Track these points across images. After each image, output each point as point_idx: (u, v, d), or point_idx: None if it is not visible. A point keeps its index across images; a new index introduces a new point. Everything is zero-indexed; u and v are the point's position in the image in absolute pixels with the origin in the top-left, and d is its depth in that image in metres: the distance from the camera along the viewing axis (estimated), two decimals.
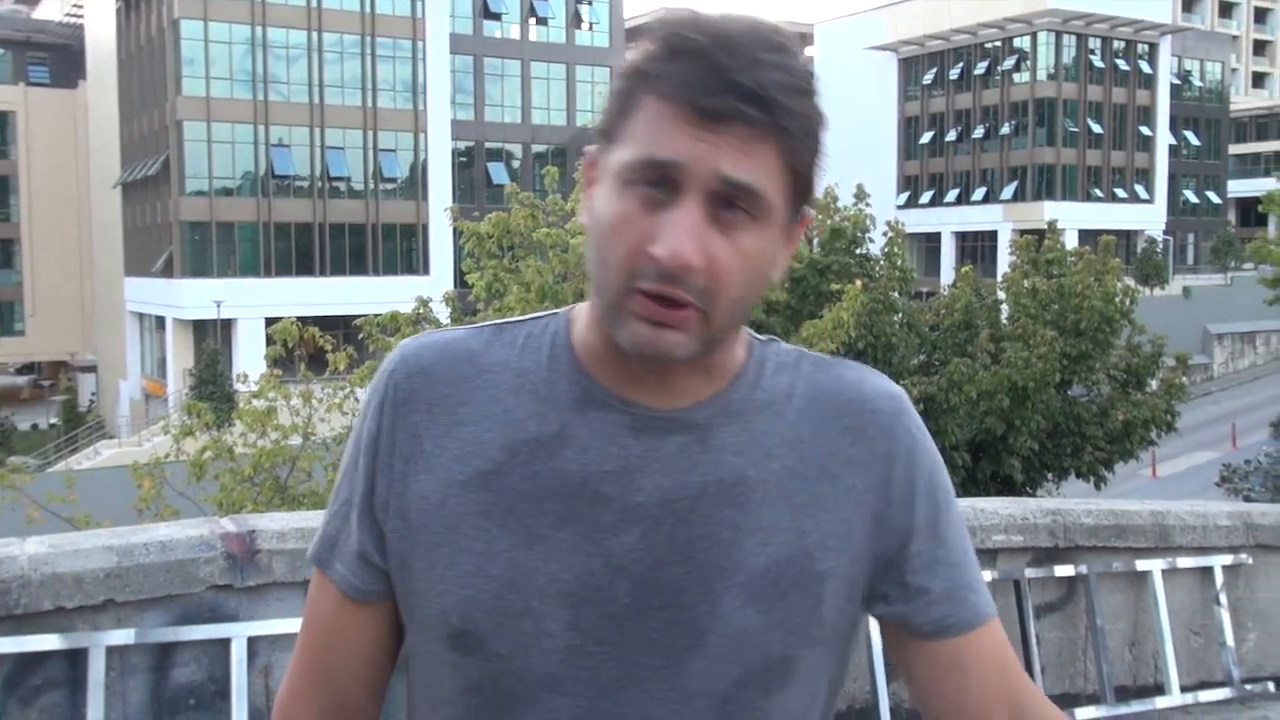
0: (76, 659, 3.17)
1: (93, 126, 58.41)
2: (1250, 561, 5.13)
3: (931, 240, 64.46)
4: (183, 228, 44.12)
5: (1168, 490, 24.53)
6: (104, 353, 57.43)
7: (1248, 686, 4.97)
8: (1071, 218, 56.84)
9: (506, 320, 1.15)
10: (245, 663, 3.33)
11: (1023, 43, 63.00)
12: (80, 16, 59.38)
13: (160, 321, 46.95)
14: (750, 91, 0.95)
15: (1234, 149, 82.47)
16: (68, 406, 51.38)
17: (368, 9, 46.47)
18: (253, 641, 3.37)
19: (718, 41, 0.97)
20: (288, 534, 3.44)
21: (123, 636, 3.21)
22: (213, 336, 42.05)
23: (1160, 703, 4.79)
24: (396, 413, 1.10)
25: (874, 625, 4.25)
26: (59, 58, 62.22)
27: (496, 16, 53.38)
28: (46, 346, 62.51)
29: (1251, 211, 71.03)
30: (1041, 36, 62.21)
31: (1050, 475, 16.54)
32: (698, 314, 0.98)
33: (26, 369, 64.58)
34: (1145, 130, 65.56)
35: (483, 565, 1.04)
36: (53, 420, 51.36)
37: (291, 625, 3.39)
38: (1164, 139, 66.71)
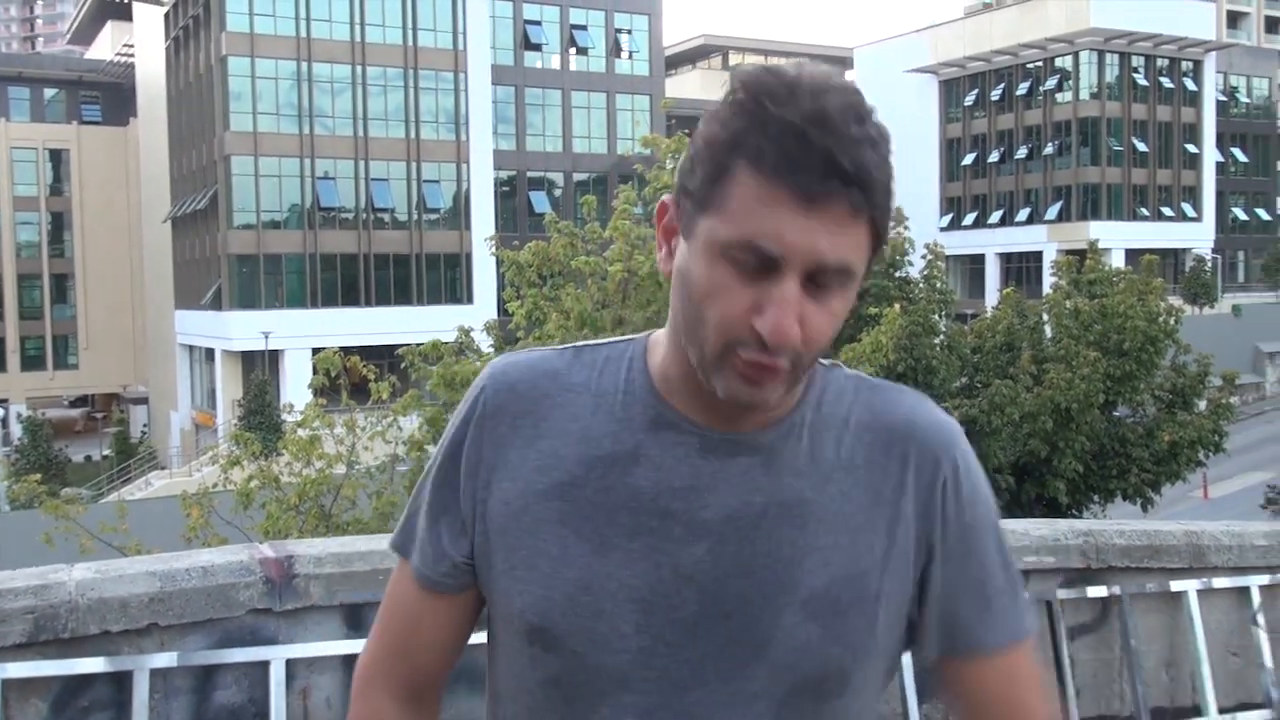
0: (122, 681, 3.25)
1: (143, 162, 59.49)
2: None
3: (976, 262, 64.05)
4: (231, 261, 44.74)
5: (1219, 512, 24.15)
6: (155, 385, 58.27)
7: None
8: (1118, 237, 56.36)
9: (587, 343, 1.25)
10: (284, 684, 3.39)
11: (1065, 62, 62.60)
12: (131, 55, 60.60)
13: (210, 353, 47.56)
14: (851, 175, 1.01)
15: None
16: (120, 438, 52.10)
17: (410, 42, 47.07)
18: (291, 664, 3.43)
19: (815, 116, 1.01)
20: (324, 559, 3.53)
21: (166, 659, 3.29)
22: (261, 367, 42.51)
23: None
24: (484, 425, 1.20)
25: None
26: (110, 96, 63.53)
27: (537, 47, 53.90)
28: (99, 379, 63.55)
29: None
30: (1084, 56, 61.80)
31: (1096, 497, 16.41)
32: (790, 369, 1.07)
33: (80, 401, 65.68)
34: (1191, 148, 64.85)
35: (558, 568, 1.14)
36: (105, 452, 52.08)
37: (328, 648, 3.48)
38: (1210, 156, 65.94)
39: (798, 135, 1.01)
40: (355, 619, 3.54)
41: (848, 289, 1.07)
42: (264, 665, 3.40)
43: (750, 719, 1.13)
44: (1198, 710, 4.79)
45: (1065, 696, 4.56)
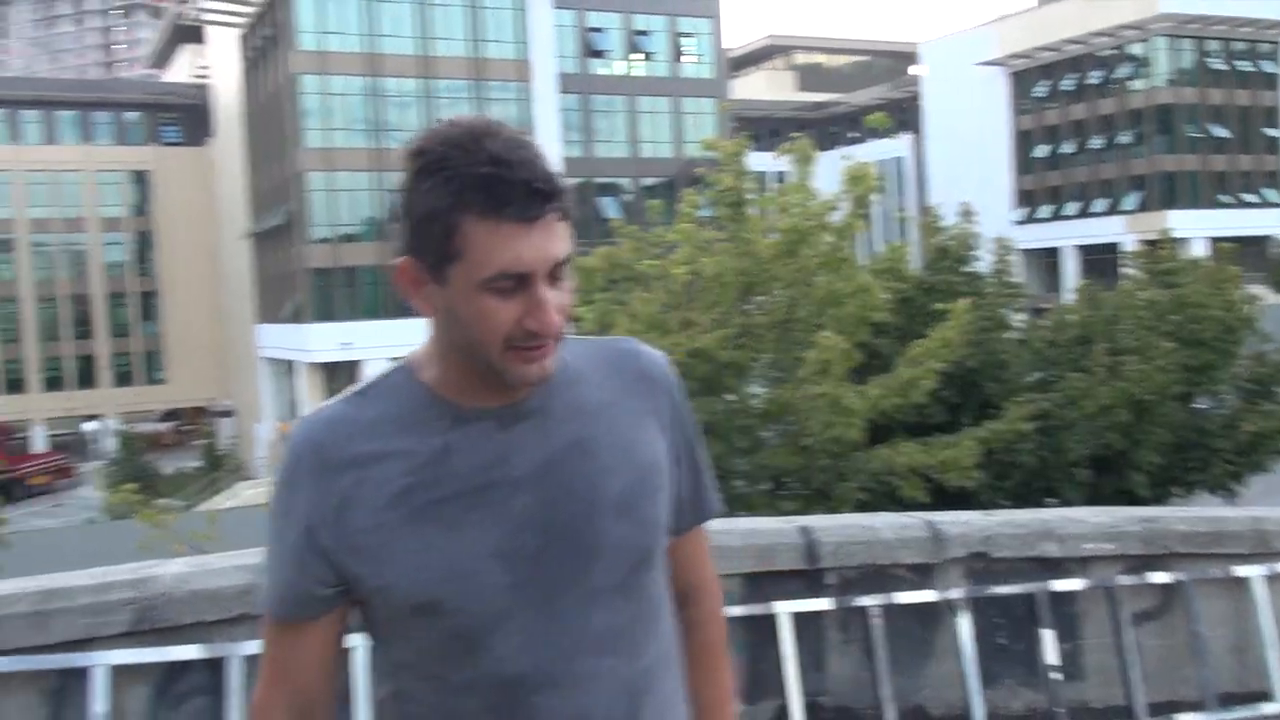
0: (216, 667, 3.46)
1: (222, 181, 60.81)
2: None
3: (1052, 255, 63.01)
4: (309, 274, 45.58)
5: None
6: (239, 397, 59.50)
7: None
8: (1198, 225, 55.08)
9: (359, 386, 1.49)
10: (365, 671, 3.54)
11: (1138, 49, 61.37)
12: (207, 77, 62.02)
13: (290, 365, 48.47)
14: (548, 192, 1.33)
15: None
16: (208, 450, 53.32)
17: (476, 54, 47.60)
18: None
19: (496, 159, 1.30)
20: None
21: (257, 647, 3.44)
22: (341, 378, 43.16)
23: (1267, 709, 4.69)
24: (314, 479, 1.41)
25: (966, 636, 4.35)
26: (188, 117, 65.00)
27: (601, 54, 54.15)
28: (186, 393, 65.05)
29: None
30: (1157, 42, 60.55)
31: (1177, 490, 16.10)
32: (555, 341, 1.38)
33: (169, 415, 67.25)
34: (1271, 132, 63.17)
35: (424, 555, 1.39)
36: (194, 464, 53.31)
37: None
38: None
39: (496, 180, 1.30)
40: None
41: (569, 269, 1.37)
42: (345, 653, 3.55)
43: (602, 606, 1.43)
44: (1266, 695, 4.76)
45: (1130, 683, 4.58)
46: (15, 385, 62.22)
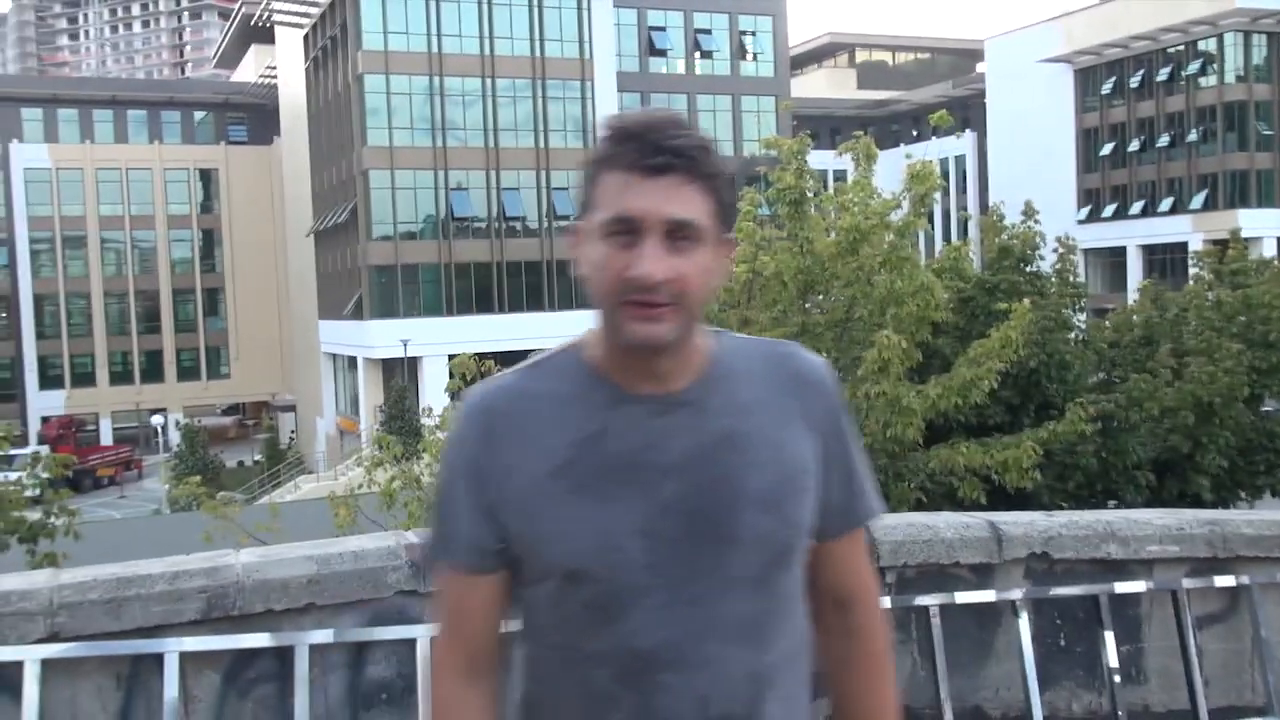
0: (284, 656, 3.53)
1: (286, 179, 61.63)
2: None
3: (1116, 255, 62.04)
4: (370, 271, 46.04)
5: None
6: (301, 392, 60.29)
7: None
8: (1268, 225, 53.96)
9: (534, 359, 1.58)
10: (429, 660, 3.52)
11: (1208, 45, 60.17)
12: (274, 77, 62.87)
13: (352, 361, 49.01)
14: (676, 151, 1.39)
15: None
16: (270, 444, 54.07)
17: (537, 54, 47.78)
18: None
19: (644, 124, 1.41)
20: None
21: (323, 636, 3.55)
22: (400, 374, 43.61)
23: None
24: (483, 443, 1.51)
25: (1026, 637, 4.32)
26: (255, 116, 66.06)
27: (662, 53, 54.20)
28: (249, 388, 66.14)
29: None
30: (1229, 38, 59.32)
31: (1243, 494, 15.82)
32: (673, 305, 1.40)
33: (232, 410, 68.36)
34: None
35: (578, 525, 1.47)
36: (257, 457, 54.10)
37: None
38: None
39: (634, 136, 1.40)
40: None
41: (702, 242, 1.42)
42: (411, 643, 3.63)
43: (736, 595, 1.48)
44: None
45: (1193, 686, 4.53)
46: (84, 379, 63.62)
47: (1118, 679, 4.41)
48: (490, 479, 1.50)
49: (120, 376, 64.45)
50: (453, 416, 1.57)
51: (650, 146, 1.39)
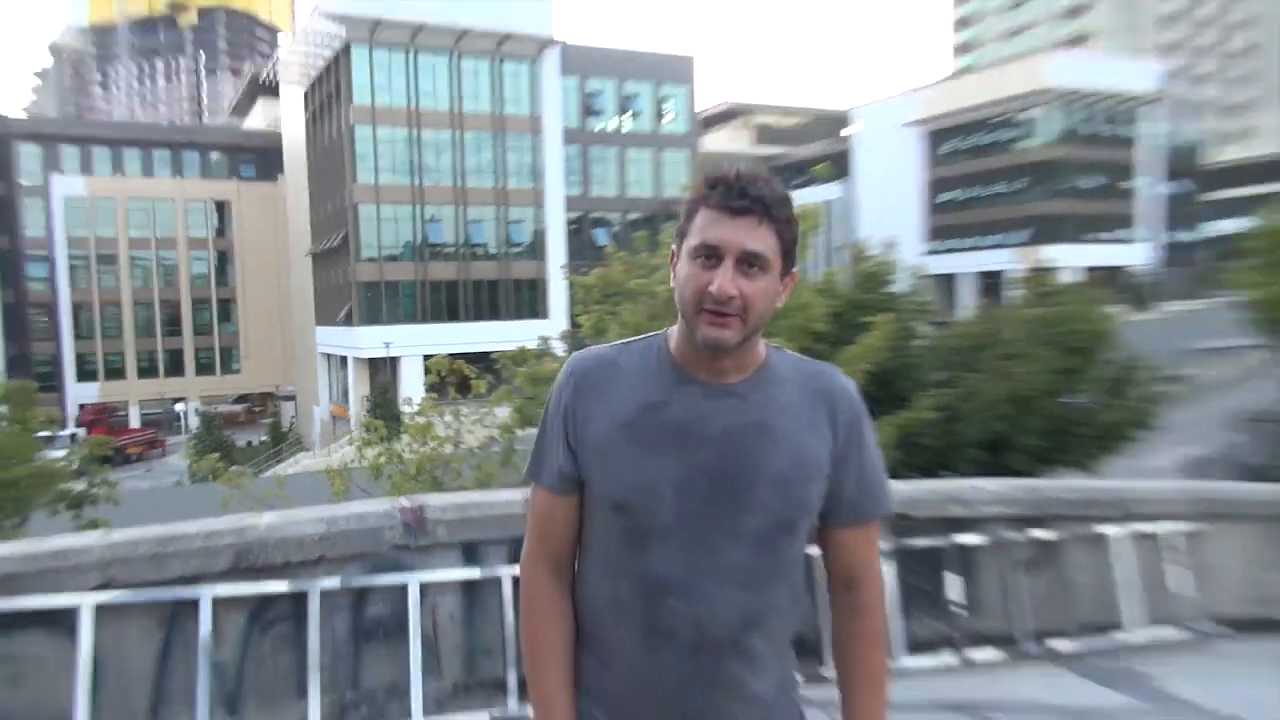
0: (299, 600, 3.49)
1: (289, 210, 60.37)
2: (1199, 527, 5.08)
3: (953, 280, 63.29)
4: (359, 287, 45.28)
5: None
6: (300, 385, 59.16)
7: (1197, 627, 4.92)
8: (1071, 257, 55.39)
9: (631, 340, 1.63)
10: (418, 603, 3.60)
11: (1027, 115, 61.69)
12: (279, 125, 61.57)
13: (343, 360, 48.18)
14: (755, 198, 1.45)
15: (1210, 195, 79.54)
16: (273, 427, 52.93)
17: (498, 111, 47.44)
18: (423, 587, 3.63)
19: (735, 177, 1.47)
20: (448, 508, 3.75)
21: (331, 583, 3.53)
22: (383, 371, 43.06)
23: (1121, 638, 4.77)
24: (575, 394, 1.57)
25: (890, 579, 4.39)
26: (262, 158, 64.55)
27: (598, 113, 54.05)
28: (256, 381, 64.66)
29: (1227, 247, 68.23)
30: (1043, 110, 60.90)
31: (1049, 468, 16.23)
32: (739, 317, 1.46)
33: (242, 399, 66.77)
34: (1132, 183, 63.64)
35: (630, 468, 1.52)
36: (262, 438, 52.88)
37: (451, 575, 3.67)
38: (1148, 189, 64.67)
39: (726, 184, 1.46)
40: (471, 553, 3.73)
41: (769, 272, 1.47)
42: (403, 588, 3.62)
43: (741, 548, 1.51)
44: (1122, 628, 4.83)
45: (1014, 616, 4.63)
46: (116, 373, 61.67)
47: (959, 611, 4.52)
48: (574, 424, 1.55)
49: (146, 371, 62.54)
50: (558, 373, 1.63)
51: (736, 192, 1.45)
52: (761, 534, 1.50)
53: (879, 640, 1.65)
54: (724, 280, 1.43)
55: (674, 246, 1.55)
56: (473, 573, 3.69)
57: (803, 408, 1.55)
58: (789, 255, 1.50)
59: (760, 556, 1.51)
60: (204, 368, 64.08)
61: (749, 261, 1.44)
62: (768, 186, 1.46)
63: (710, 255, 1.45)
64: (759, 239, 1.45)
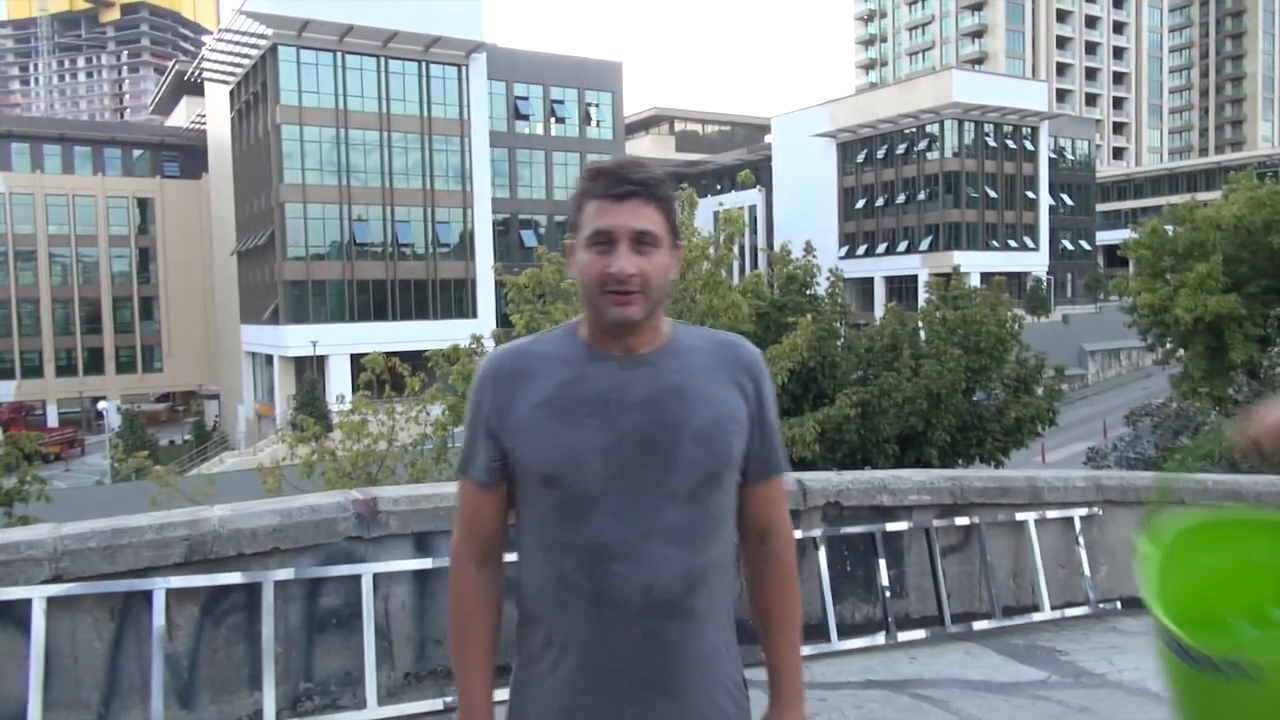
0: (253, 590, 3.43)
1: (214, 208, 58.68)
2: (1101, 513, 5.33)
3: (866, 283, 64.55)
4: (285, 285, 44.27)
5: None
6: (225, 383, 57.49)
7: (1101, 605, 5.16)
8: (975, 263, 57.02)
9: (539, 333, 1.66)
10: (371, 592, 3.57)
11: (934, 128, 63.25)
12: (203, 123, 59.75)
13: (269, 359, 47.01)
14: (637, 181, 1.50)
15: (1100, 207, 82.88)
16: (197, 426, 51.42)
17: (425, 114, 46.83)
18: (376, 577, 3.60)
19: (614, 165, 1.53)
20: (399, 500, 3.72)
21: (285, 574, 3.47)
22: (310, 369, 42.11)
23: (1036, 617, 4.98)
24: (495, 386, 1.58)
25: (824, 565, 4.49)
26: (186, 155, 62.56)
27: (525, 117, 53.80)
28: (179, 380, 62.62)
29: (1114, 256, 71.14)
30: (948, 124, 62.49)
31: (960, 461, 16.71)
32: (641, 293, 1.50)
33: (164, 398, 64.64)
34: (1030, 194, 65.71)
35: (554, 441, 1.53)
36: (186, 437, 51.37)
37: (403, 565, 3.64)
38: (1045, 200, 66.89)
39: (607, 175, 1.51)
40: (423, 544, 3.70)
41: (660, 248, 1.52)
42: (356, 578, 3.58)
43: (674, 507, 1.51)
44: (1035, 608, 5.04)
45: (939, 598, 4.81)
46: (33, 371, 59.11)
47: (888, 594, 4.65)
48: (494, 414, 1.56)
49: (65, 370, 60.02)
50: (476, 371, 1.66)
51: (618, 179, 1.50)
52: (691, 491, 1.51)
53: (793, 584, 1.70)
54: (622, 261, 1.47)
55: (568, 240, 1.58)
56: (425, 563, 3.67)
57: (716, 370, 1.58)
58: (674, 229, 1.55)
59: (693, 512, 1.52)
60: (125, 366, 61.79)
61: (641, 240, 1.49)
62: (645, 170, 1.51)
63: (605, 240, 1.48)
64: (646, 218, 1.49)
